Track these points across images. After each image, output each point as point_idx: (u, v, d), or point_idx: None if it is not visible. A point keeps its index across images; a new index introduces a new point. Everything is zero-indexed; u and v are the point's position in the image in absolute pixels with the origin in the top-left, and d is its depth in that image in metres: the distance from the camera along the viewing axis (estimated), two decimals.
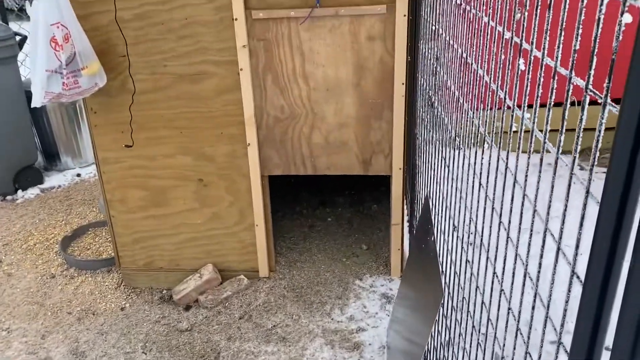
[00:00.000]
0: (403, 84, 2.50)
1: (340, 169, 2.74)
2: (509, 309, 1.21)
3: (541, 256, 0.99)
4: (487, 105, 1.28)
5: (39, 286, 3.08)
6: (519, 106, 1.03)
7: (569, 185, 0.84)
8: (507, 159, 1.17)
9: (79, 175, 4.68)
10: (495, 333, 1.27)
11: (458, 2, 1.61)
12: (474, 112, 1.45)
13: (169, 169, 2.80)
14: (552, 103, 0.86)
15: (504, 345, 1.22)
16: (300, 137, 2.67)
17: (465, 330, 1.58)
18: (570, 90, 0.81)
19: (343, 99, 2.57)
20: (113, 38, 2.55)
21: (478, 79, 1.36)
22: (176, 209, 2.90)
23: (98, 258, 3.30)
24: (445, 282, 1.82)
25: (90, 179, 4.61)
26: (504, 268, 1.19)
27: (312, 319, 2.62)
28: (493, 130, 1.25)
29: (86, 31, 2.39)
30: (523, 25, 1.00)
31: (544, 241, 0.96)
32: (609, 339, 0.74)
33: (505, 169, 1.16)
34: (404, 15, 2.38)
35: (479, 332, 1.47)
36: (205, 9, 2.46)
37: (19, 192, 4.35)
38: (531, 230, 1.02)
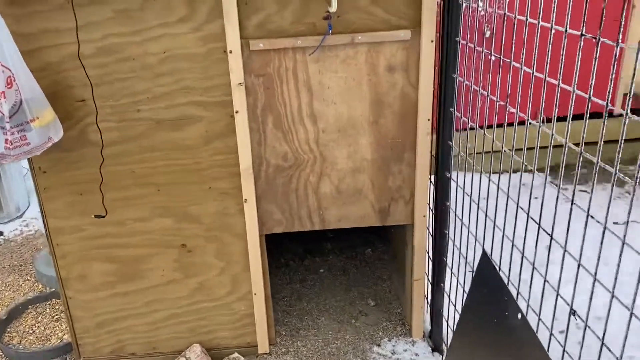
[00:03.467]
0: (429, 119, 2.15)
1: (354, 220, 2.33)
2: None
3: None
4: None
5: None
6: None
7: None
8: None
9: (1, 234, 3.93)
10: None
11: None
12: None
13: (142, 235, 2.27)
14: None
15: None
16: (306, 187, 2.24)
17: None
18: None
19: (358, 140, 2.18)
20: (68, 78, 2.00)
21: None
22: (152, 282, 2.36)
23: (47, 346, 2.66)
24: None
25: (17, 237, 3.88)
26: None
27: None
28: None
29: (32, 71, 1.84)
30: None
31: None
32: None
33: None
34: (431, 41, 2.03)
35: None
36: (189, 40, 1.98)
37: None
38: None
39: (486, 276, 1.83)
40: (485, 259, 1.84)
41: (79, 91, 2.02)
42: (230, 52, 1.97)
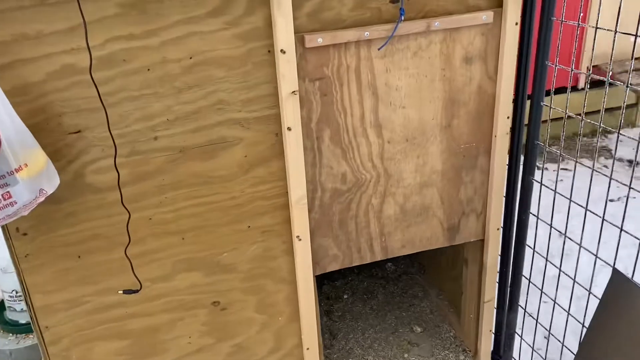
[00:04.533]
0: (509, 117, 1.81)
1: (419, 244, 1.94)
2: None
3: None
4: None
5: None
6: None
7: None
8: None
9: None
10: None
11: None
12: None
13: (163, 298, 1.74)
14: None
15: None
16: (367, 211, 1.82)
17: None
18: None
19: (427, 149, 1.79)
20: (55, 103, 1.43)
21: None
22: (176, 354, 1.83)
23: None
24: None
25: None
26: None
27: None
28: None
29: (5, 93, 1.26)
30: None
31: None
32: None
33: None
34: (516, 24, 1.68)
35: None
36: (223, 39, 1.48)
37: None
38: None
39: (621, 294, 1.54)
40: (619, 276, 1.54)
41: (71, 119, 1.45)
42: (283, 51, 1.49)
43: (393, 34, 1.56)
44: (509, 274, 2.05)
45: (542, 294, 1.99)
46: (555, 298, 1.94)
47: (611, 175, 1.61)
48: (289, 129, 1.58)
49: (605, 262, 1.73)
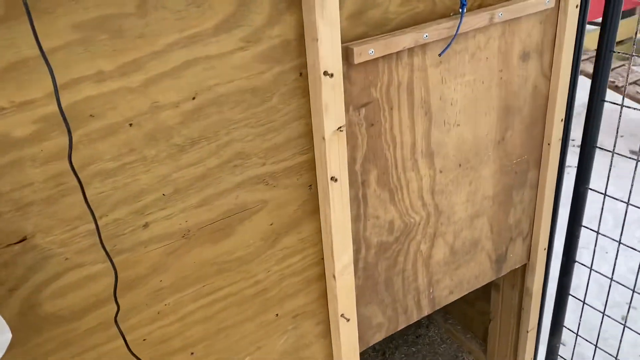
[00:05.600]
0: (562, 120, 1.49)
1: (467, 286, 1.59)
2: None
3: None
4: None
5: None
6: None
7: None
8: None
9: None
10: None
11: None
12: None
13: None
14: None
15: None
16: (416, 261, 1.42)
17: None
18: None
19: (479, 172, 1.42)
20: None
21: None
22: None
23: None
24: None
25: None
26: None
27: None
28: None
29: None
30: None
31: None
32: None
33: None
34: (576, 7, 1.35)
35: None
36: (241, 63, 0.97)
37: None
38: None
39: None
40: None
41: (12, 222, 0.87)
42: (328, 74, 1.01)
43: (457, 31, 1.15)
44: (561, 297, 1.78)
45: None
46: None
47: None
48: (333, 179, 1.12)
49: None
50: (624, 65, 3.68)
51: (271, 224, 1.15)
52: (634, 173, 1.46)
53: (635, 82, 3.71)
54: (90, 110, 0.87)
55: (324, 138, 1.07)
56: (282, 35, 1.00)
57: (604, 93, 1.44)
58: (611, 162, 1.47)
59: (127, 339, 1.04)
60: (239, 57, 0.97)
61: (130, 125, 0.91)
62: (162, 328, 1.10)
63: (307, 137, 1.11)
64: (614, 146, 1.45)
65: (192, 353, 1.16)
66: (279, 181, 1.12)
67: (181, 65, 0.92)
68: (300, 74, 1.05)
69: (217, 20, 0.93)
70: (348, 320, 1.29)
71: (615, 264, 1.65)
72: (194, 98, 0.95)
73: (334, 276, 1.24)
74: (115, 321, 0.98)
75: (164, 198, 0.99)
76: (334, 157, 1.10)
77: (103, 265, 0.98)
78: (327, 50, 1.00)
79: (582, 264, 1.69)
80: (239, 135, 1.03)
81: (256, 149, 1.06)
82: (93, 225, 0.90)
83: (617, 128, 1.47)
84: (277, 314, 1.25)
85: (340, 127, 1.08)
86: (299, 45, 1.02)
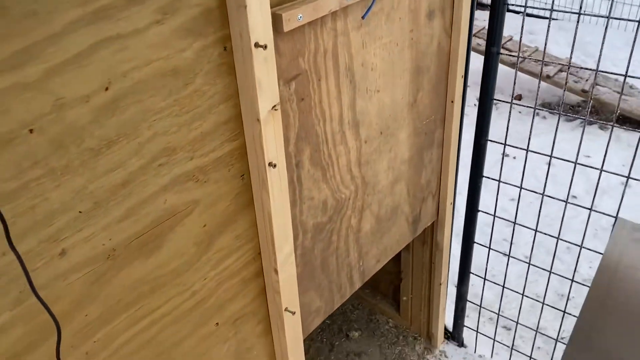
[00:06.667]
0: (462, 76, 1.50)
1: (391, 251, 1.57)
2: None
3: None
4: None
5: None
6: None
7: None
8: None
9: None
10: None
11: None
12: None
13: None
14: None
15: None
16: (347, 237, 1.36)
17: None
18: None
19: (398, 137, 1.39)
20: None
21: None
22: None
23: None
24: None
25: None
26: None
27: None
28: None
29: None
30: None
31: None
32: None
33: None
34: None
35: None
36: (159, 40, 0.80)
37: None
38: None
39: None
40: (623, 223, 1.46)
41: None
42: (260, 45, 0.88)
43: None
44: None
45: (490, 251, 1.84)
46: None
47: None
48: (271, 165, 0.99)
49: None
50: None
51: (204, 226, 1.00)
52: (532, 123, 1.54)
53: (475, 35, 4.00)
54: None
55: (258, 120, 0.94)
56: (203, 3, 0.84)
57: (499, 46, 1.47)
58: (510, 112, 1.52)
59: None
60: (156, 34, 0.79)
61: (31, 131, 0.70)
62: None
63: (237, 121, 0.97)
64: (512, 97, 1.50)
65: None
66: (209, 175, 0.97)
67: (87, 50, 0.72)
68: (225, 48, 0.90)
69: None
70: (293, 313, 1.19)
71: (496, 200, 1.74)
72: (106, 89, 0.76)
73: (275, 270, 1.13)
74: None
75: (81, 216, 0.80)
76: (270, 141, 0.98)
77: (11, 314, 0.77)
78: (257, 17, 0.86)
79: (486, 213, 1.77)
80: (163, 127, 0.86)
81: (182, 141, 0.90)
82: None
83: (515, 84, 1.52)
84: (217, 323, 1.12)
85: (274, 106, 0.95)
86: (222, 14, 0.87)
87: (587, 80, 3.75)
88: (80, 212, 0.80)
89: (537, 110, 3.88)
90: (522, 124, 3.39)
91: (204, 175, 0.96)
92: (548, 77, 3.74)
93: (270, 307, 1.21)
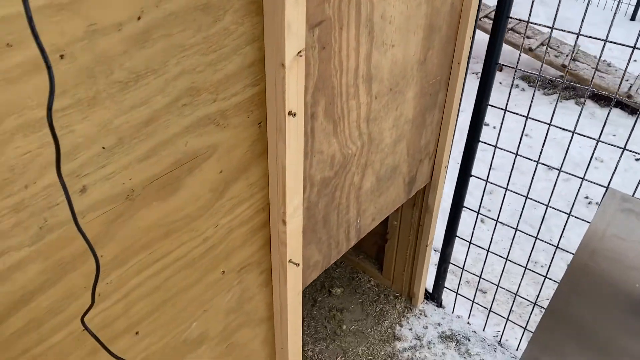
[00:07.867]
0: (470, 38, 1.49)
1: (386, 210, 1.58)
2: None
3: None
4: None
5: None
6: None
7: None
8: None
9: None
10: None
11: None
12: None
13: None
14: None
15: None
16: (349, 194, 1.35)
17: None
18: None
19: (405, 95, 1.37)
20: None
21: None
22: None
23: None
24: None
25: None
26: None
27: None
28: None
29: None
30: None
31: None
32: None
33: None
34: None
35: None
36: None
37: None
38: None
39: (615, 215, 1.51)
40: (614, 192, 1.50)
41: None
42: None
43: None
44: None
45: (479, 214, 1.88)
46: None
47: None
48: (291, 114, 0.97)
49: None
50: None
51: (221, 172, 0.97)
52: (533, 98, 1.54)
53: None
54: (6, 37, 0.60)
55: (283, 65, 0.91)
56: None
57: (509, 10, 1.46)
58: (513, 78, 1.53)
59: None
60: None
61: (62, 57, 0.66)
62: (105, 311, 0.89)
63: (259, 66, 0.94)
64: (517, 64, 1.50)
65: (136, 333, 0.97)
66: (229, 120, 0.94)
67: None
68: None
69: None
70: (297, 265, 1.19)
71: (490, 166, 1.77)
72: (139, 18, 0.72)
73: (283, 221, 1.11)
74: (82, 321, 0.75)
75: (104, 152, 0.76)
76: (292, 88, 0.95)
77: (30, 250, 0.73)
78: None
79: (478, 178, 1.79)
80: (190, 65, 0.82)
81: (207, 82, 0.86)
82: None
83: (520, 54, 1.52)
84: (223, 271, 1.10)
85: (300, 52, 0.92)
86: None
87: (567, 55, 3.81)
88: (103, 147, 0.76)
89: (515, 82, 3.93)
90: (501, 95, 3.43)
91: (225, 120, 0.93)
92: (530, 50, 3.77)
93: (273, 258, 1.20)
